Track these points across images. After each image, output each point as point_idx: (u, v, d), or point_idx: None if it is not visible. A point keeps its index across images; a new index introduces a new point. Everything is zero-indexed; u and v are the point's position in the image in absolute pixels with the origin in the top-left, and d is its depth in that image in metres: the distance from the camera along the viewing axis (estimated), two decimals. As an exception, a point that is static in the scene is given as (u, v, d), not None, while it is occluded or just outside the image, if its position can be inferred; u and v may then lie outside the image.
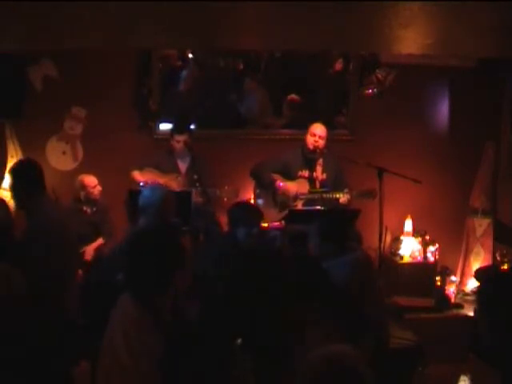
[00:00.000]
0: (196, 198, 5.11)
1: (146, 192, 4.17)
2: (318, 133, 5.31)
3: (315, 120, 5.47)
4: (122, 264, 2.71)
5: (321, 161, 5.40)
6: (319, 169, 5.40)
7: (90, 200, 5.38)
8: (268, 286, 2.50)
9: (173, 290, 2.53)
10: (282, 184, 5.32)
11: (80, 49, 4.84)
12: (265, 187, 5.38)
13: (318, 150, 5.29)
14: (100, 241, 5.38)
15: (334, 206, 5.11)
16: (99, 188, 5.38)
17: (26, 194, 3.80)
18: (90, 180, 5.35)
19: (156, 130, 5.88)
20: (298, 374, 1.71)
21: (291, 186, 5.31)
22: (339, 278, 3.42)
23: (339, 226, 3.82)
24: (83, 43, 4.15)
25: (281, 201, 5.34)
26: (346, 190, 5.17)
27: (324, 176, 5.39)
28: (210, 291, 3.12)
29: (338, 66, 6.15)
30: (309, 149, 5.32)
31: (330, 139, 5.49)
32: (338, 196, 5.16)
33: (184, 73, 6.13)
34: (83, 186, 5.35)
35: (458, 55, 5.59)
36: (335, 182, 5.34)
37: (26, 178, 3.83)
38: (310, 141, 5.31)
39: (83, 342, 3.53)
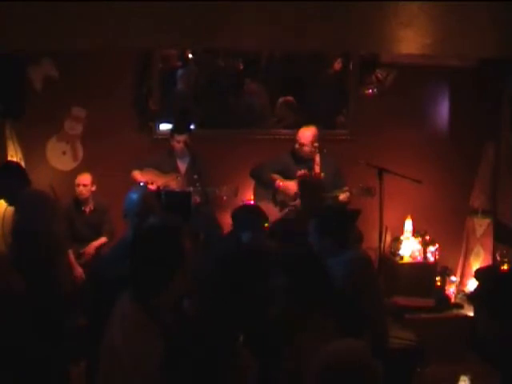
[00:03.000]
0: (195, 198, 5.11)
1: (127, 195, 4.17)
2: (300, 140, 5.30)
3: (313, 121, 5.46)
4: (122, 263, 2.71)
5: (318, 160, 5.40)
6: (317, 168, 5.40)
7: (84, 199, 5.39)
8: (270, 285, 2.51)
9: (173, 289, 2.52)
10: (281, 184, 5.32)
11: (80, 49, 4.84)
12: (265, 187, 5.38)
13: (306, 156, 5.31)
14: (103, 239, 5.39)
15: (334, 204, 5.10)
16: (90, 188, 5.37)
17: (7, 190, 4.37)
18: (82, 178, 5.37)
19: (156, 130, 5.88)
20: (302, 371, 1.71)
21: (291, 185, 5.31)
22: (338, 277, 3.43)
23: (339, 221, 3.80)
24: (83, 43, 4.16)
25: (280, 200, 5.35)
26: (345, 188, 5.17)
27: (322, 176, 5.39)
28: (210, 291, 3.12)
29: (337, 65, 6.15)
30: (299, 155, 5.34)
31: (329, 139, 5.49)
32: (337, 194, 5.16)
33: (180, 72, 6.13)
34: (77, 184, 5.37)
35: (458, 55, 5.59)
36: (333, 182, 5.33)
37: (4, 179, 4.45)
38: (297, 148, 5.32)
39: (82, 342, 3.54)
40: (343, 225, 3.81)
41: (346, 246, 3.70)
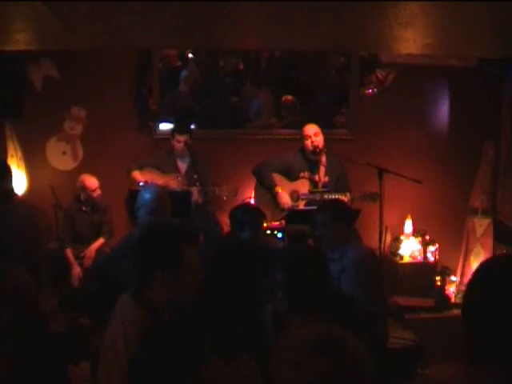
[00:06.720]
0: (196, 198, 5.11)
1: (141, 193, 4.21)
2: (311, 133, 5.30)
3: (313, 121, 5.47)
4: (127, 262, 2.71)
5: (324, 162, 5.38)
6: (322, 170, 5.37)
7: (89, 201, 5.39)
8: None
9: (173, 289, 2.52)
10: (279, 192, 5.30)
11: (80, 49, 4.84)
12: (264, 186, 5.38)
13: (318, 150, 5.28)
14: (101, 241, 5.40)
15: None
16: (99, 192, 5.38)
17: None
18: (91, 182, 5.36)
19: (156, 130, 5.88)
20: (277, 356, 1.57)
21: (285, 199, 5.28)
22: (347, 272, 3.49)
23: (350, 210, 3.89)
24: (83, 43, 4.15)
25: (278, 202, 5.33)
26: (346, 193, 5.15)
27: (326, 179, 5.37)
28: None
29: (340, 60, 6.17)
30: (309, 151, 5.30)
31: (329, 139, 5.48)
32: (338, 197, 5.15)
33: (184, 73, 6.13)
34: (83, 188, 5.36)
35: (457, 55, 5.59)
36: (337, 185, 5.32)
37: None
38: (308, 143, 5.30)
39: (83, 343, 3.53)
40: (354, 214, 3.92)
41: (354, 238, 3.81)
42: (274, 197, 5.32)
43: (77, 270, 5.25)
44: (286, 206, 5.26)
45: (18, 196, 4.52)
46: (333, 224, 3.73)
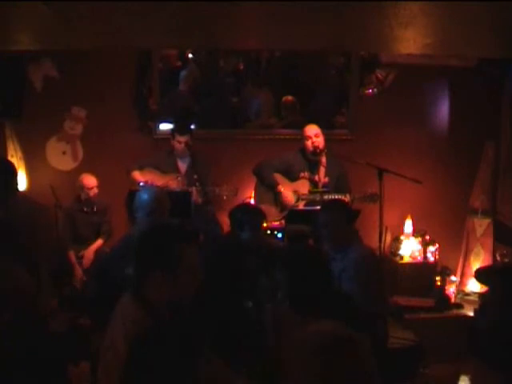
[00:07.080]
0: (196, 198, 5.12)
1: (139, 194, 4.21)
2: (312, 133, 5.31)
3: (313, 121, 5.47)
4: (126, 263, 2.71)
5: (324, 162, 5.38)
6: (322, 170, 5.38)
7: (89, 201, 5.39)
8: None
9: (174, 290, 2.52)
10: (282, 190, 5.30)
11: (80, 49, 4.84)
12: (266, 186, 5.38)
13: (318, 150, 5.29)
14: (99, 242, 5.40)
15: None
16: (96, 191, 5.38)
17: None
18: (88, 181, 5.36)
19: (156, 130, 5.88)
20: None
21: (289, 197, 5.29)
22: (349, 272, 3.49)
23: (349, 209, 4.03)
24: (83, 43, 4.16)
25: (281, 201, 5.34)
26: (346, 194, 5.15)
27: (326, 179, 5.37)
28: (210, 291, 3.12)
29: (340, 60, 6.18)
30: (310, 151, 5.31)
31: (329, 139, 5.49)
32: (337, 198, 5.15)
33: (184, 73, 6.14)
34: (82, 187, 5.36)
35: (457, 55, 5.59)
36: (337, 186, 5.32)
37: None
38: (308, 144, 5.30)
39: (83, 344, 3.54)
40: (355, 214, 3.96)
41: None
42: (276, 195, 5.32)
43: (79, 271, 5.26)
44: (288, 206, 5.26)
45: (20, 192, 4.50)
46: (334, 224, 3.74)
